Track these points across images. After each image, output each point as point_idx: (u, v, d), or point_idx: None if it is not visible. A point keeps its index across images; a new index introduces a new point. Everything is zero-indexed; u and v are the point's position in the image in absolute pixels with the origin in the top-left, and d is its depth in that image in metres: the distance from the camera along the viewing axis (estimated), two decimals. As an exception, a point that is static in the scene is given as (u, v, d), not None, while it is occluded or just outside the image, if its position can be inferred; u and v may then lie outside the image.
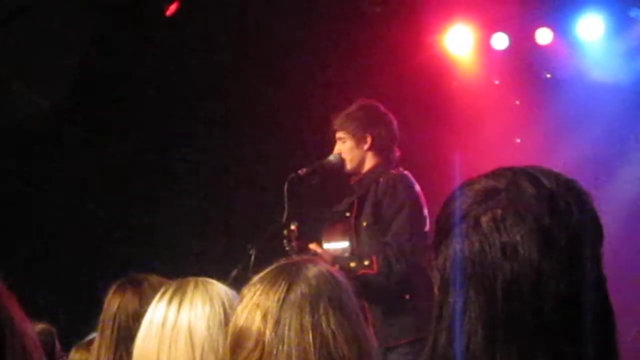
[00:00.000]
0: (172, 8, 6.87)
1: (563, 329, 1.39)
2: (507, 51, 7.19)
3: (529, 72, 7.32)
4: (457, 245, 1.45)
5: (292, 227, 4.84)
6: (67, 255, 7.02)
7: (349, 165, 5.10)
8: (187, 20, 6.98)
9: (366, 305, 4.75)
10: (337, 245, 5.03)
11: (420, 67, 7.14)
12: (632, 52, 6.94)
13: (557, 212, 1.42)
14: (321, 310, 1.93)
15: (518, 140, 7.26)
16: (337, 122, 5.13)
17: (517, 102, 7.38)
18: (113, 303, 2.85)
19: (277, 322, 1.91)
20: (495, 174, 1.50)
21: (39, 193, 7.17)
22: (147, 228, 7.17)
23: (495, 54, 7.23)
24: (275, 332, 1.91)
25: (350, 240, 5.01)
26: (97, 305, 2.94)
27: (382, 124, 5.12)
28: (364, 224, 4.99)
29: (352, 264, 4.84)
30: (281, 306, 1.92)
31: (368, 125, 5.09)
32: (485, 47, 7.21)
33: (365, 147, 5.08)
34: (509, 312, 1.39)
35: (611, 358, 1.43)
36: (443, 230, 1.48)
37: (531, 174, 1.47)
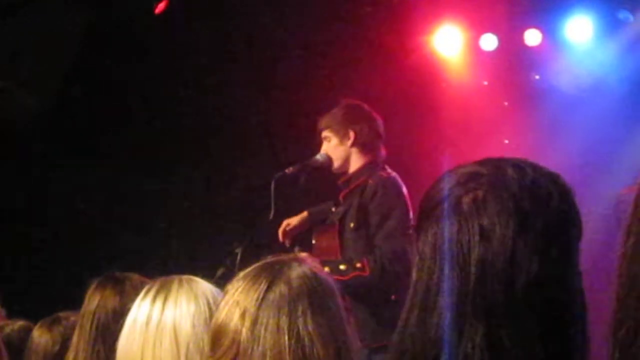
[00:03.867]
0: (161, 6, 6.86)
1: (530, 311, 1.42)
2: (495, 52, 7.19)
3: (518, 73, 7.33)
4: (435, 225, 1.48)
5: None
6: (54, 253, 7.00)
7: (335, 164, 5.10)
8: (176, 20, 6.96)
9: (350, 306, 4.74)
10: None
11: (409, 68, 7.13)
12: (620, 54, 6.95)
13: (538, 198, 1.47)
14: (299, 312, 1.91)
15: (506, 141, 7.26)
16: (322, 122, 5.14)
17: (506, 103, 7.38)
18: (93, 299, 2.86)
19: (254, 322, 1.90)
20: (482, 161, 1.54)
21: (31, 192, 7.15)
22: (134, 225, 7.15)
23: (484, 55, 7.23)
24: (252, 332, 1.89)
25: (340, 244, 5.02)
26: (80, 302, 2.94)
27: (365, 121, 5.13)
28: (351, 225, 4.98)
29: (342, 267, 4.84)
30: (259, 305, 1.91)
31: (350, 122, 5.10)
32: (474, 48, 7.21)
33: (349, 143, 5.07)
34: (481, 289, 1.43)
35: (581, 346, 1.47)
36: (425, 212, 1.52)
37: (516, 163, 1.52)
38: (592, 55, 7.03)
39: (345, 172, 5.13)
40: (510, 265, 1.43)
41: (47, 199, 7.17)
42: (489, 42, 7.15)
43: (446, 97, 7.28)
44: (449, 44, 7.19)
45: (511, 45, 7.17)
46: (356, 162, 5.10)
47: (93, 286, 2.90)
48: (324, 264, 4.75)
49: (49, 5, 6.79)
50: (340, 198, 5.14)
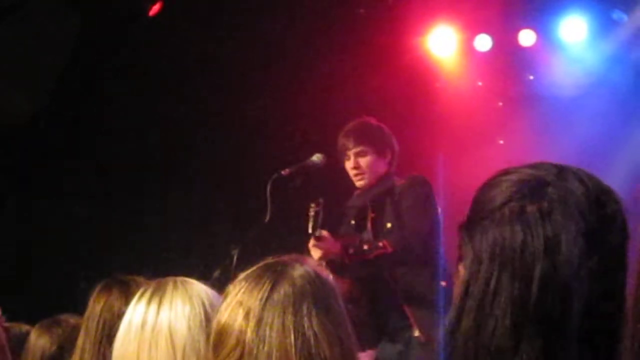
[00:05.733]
0: (155, 8, 6.86)
1: (589, 328, 1.40)
2: (490, 53, 7.21)
3: (512, 74, 7.34)
4: (497, 230, 1.44)
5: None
6: (50, 256, 7.00)
7: (368, 178, 5.15)
8: (171, 21, 6.96)
9: (405, 302, 4.83)
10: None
11: (403, 69, 7.14)
12: (614, 54, 6.96)
13: (604, 217, 1.44)
14: (304, 311, 1.91)
15: (501, 142, 7.27)
16: (356, 138, 5.17)
17: (500, 104, 7.40)
18: (98, 302, 2.84)
19: (259, 322, 1.90)
20: (537, 166, 1.50)
21: (22, 193, 7.15)
22: (128, 228, 7.14)
23: (479, 56, 7.24)
24: (257, 332, 1.89)
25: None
26: (78, 306, 2.93)
27: (393, 141, 5.25)
28: (388, 225, 5.05)
29: (365, 247, 4.94)
30: (264, 305, 1.91)
31: (387, 142, 5.22)
32: (468, 49, 7.22)
33: (387, 160, 5.18)
34: (542, 302, 1.39)
35: None
36: (482, 213, 1.48)
37: (576, 174, 1.48)
38: (586, 56, 7.04)
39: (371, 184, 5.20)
40: (574, 281, 1.40)
41: (45, 199, 7.17)
42: (484, 42, 7.17)
43: (441, 97, 7.29)
44: (443, 44, 7.20)
45: (505, 45, 7.18)
46: (379, 172, 5.19)
47: (98, 289, 2.88)
48: (347, 246, 4.83)
49: (43, 7, 6.79)
50: (359, 189, 5.20)
